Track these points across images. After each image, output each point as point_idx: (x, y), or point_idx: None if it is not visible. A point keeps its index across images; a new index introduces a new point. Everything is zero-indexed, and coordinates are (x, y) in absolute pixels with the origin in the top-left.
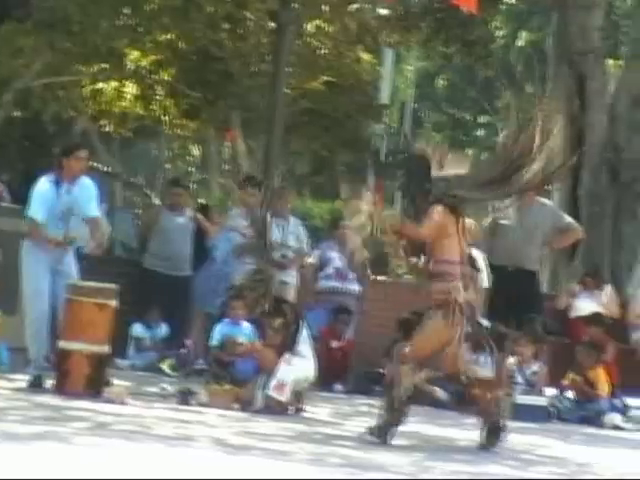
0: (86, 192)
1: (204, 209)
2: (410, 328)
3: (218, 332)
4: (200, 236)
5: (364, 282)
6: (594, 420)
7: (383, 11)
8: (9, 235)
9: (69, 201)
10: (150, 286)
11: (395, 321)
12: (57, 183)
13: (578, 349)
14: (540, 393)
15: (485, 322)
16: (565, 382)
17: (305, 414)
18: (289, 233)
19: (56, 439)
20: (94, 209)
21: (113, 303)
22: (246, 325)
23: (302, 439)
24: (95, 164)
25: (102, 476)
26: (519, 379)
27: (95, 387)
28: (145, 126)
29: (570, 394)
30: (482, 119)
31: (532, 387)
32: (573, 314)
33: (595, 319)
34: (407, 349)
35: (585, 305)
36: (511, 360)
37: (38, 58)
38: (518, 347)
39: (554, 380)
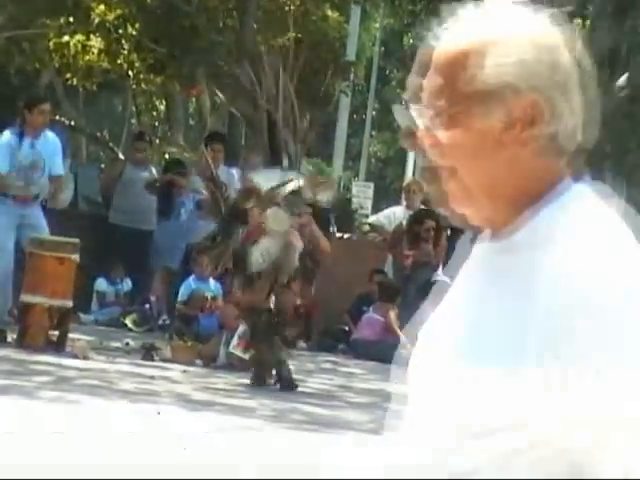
0: (51, 148)
1: (178, 164)
2: (388, 289)
3: (185, 288)
4: (167, 191)
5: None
6: None
7: None
8: None
9: (33, 155)
10: (115, 240)
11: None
12: (20, 136)
13: None
14: None
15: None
16: None
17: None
18: None
19: (19, 393)
20: (59, 167)
21: (75, 257)
22: (213, 282)
23: (264, 396)
24: (60, 118)
25: (65, 430)
26: None
27: (56, 341)
28: (111, 80)
29: None
30: None
31: None
32: None
33: None
34: None
35: None
36: None
37: (2, 11)
38: None
39: None
